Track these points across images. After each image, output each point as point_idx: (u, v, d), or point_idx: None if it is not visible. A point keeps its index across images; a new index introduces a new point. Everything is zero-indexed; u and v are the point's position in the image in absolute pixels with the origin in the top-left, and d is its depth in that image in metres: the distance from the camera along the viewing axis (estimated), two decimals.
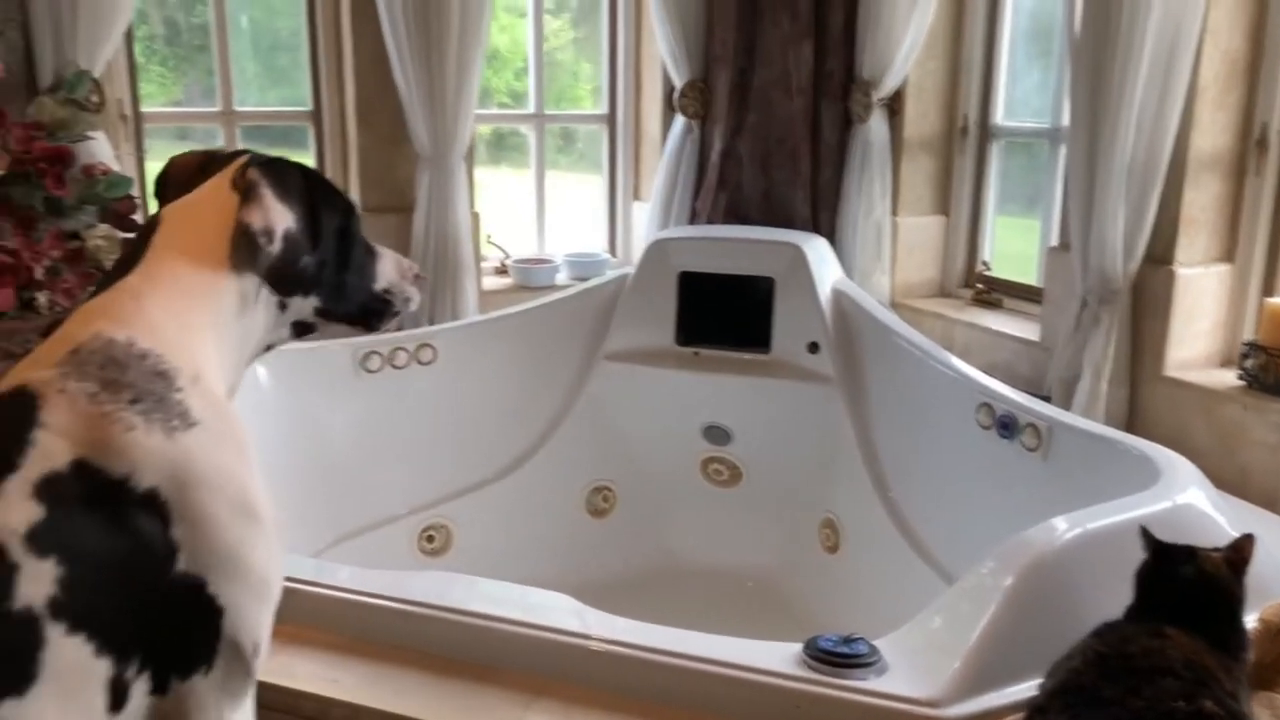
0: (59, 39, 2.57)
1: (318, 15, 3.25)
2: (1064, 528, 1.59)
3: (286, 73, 3.44)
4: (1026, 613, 1.48)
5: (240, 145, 3.28)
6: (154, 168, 3.14)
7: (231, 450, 1.08)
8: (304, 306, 1.26)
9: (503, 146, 4.09)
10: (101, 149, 2.63)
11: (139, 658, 1.00)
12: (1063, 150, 3.01)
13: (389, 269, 1.36)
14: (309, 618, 1.60)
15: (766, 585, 3.00)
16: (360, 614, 1.62)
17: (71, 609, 0.94)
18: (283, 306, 1.24)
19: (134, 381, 1.03)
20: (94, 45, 2.62)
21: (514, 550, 2.89)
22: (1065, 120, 2.97)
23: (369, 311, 1.35)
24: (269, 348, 1.28)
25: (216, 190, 1.20)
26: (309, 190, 1.23)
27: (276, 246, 1.17)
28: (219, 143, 3.28)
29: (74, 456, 0.98)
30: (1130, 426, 2.54)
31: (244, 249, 1.17)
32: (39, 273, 2.26)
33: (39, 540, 0.94)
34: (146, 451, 1.00)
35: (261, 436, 2.58)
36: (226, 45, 3.20)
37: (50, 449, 0.98)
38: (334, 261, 1.27)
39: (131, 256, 1.16)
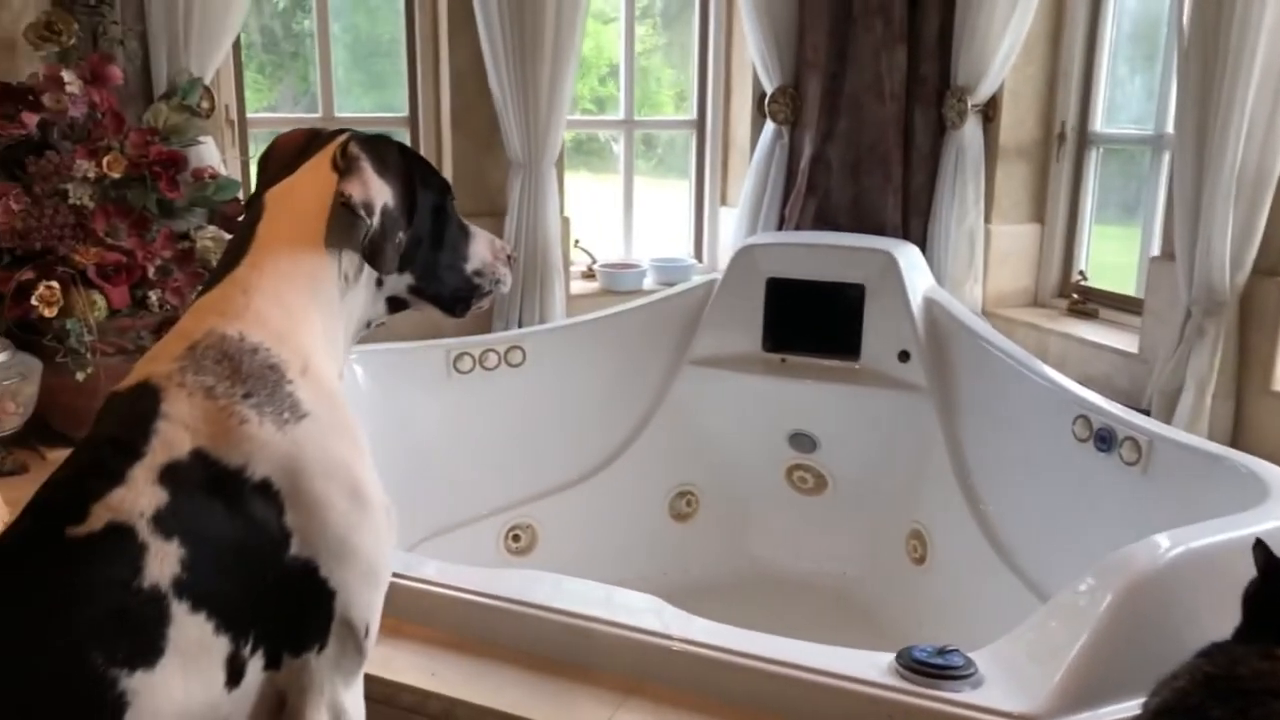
0: (174, 48, 2.67)
1: (416, 23, 3.33)
2: (1167, 545, 1.55)
3: (383, 79, 3.52)
4: (1127, 631, 1.44)
5: None
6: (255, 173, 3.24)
7: (341, 439, 1.11)
8: (398, 283, 1.29)
9: (582, 151, 4.13)
10: (210, 153, 2.73)
11: (254, 636, 1.04)
12: (1166, 157, 2.93)
13: (482, 249, 1.37)
14: (402, 611, 1.64)
15: (850, 595, 2.97)
16: (449, 608, 1.65)
17: (194, 588, 0.99)
18: (379, 283, 1.26)
19: (247, 376, 1.07)
20: (205, 54, 2.72)
21: (597, 551, 2.91)
22: (1169, 126, 2.89)
23: (461, 291, 1.36)
24: (369, 325, 1.30)
25: (316, 171, 1.22)
26: (407, 167, 1.25)
27: (375, 220, 1.18)
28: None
29: (194, 446, 1.03)
30: (1236, 442, 2.45)
31: (343, 224, 1.19)
32: (151, 272, 2.36)
33: (164, 523, 0.99)
34: (259, 444, 1.05)
35: None
36: (329, 53, 3.29)
37: (172, 439, 1.03)
38: (429, 239, 1.29)
39: (239, 245, 1.20)
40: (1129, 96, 3.35)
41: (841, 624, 2.86)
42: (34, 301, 2.19)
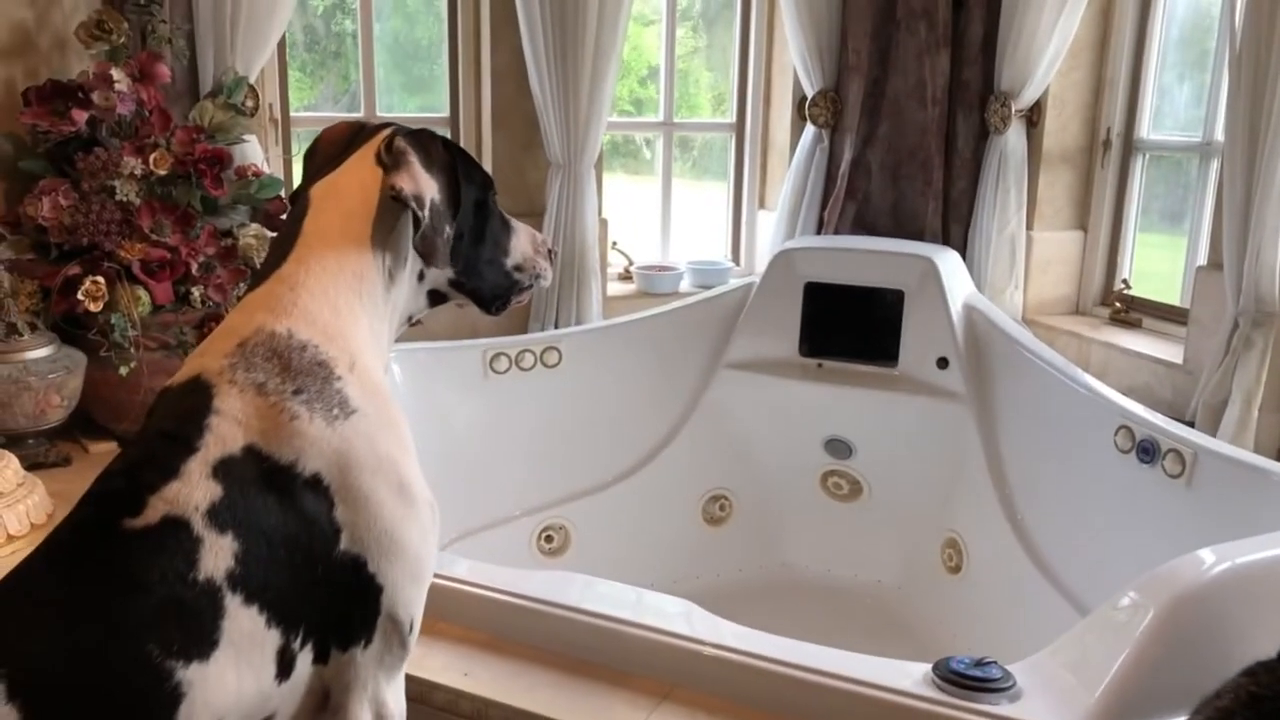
0: (220, 47, 2.71)
1: (459, 23, 3.34)
2: (1212, 560, 1.52)
3: (423, 80, 3.54)
4: (1170, 647, 1.42)
5: None
6: (300, 169, 3.27)
7: (389, 434, 1.12)
8: (440, 277, 1.29)
9: (619, 153, 4.13)
10: (254, 151, 2.76)
11: (304, 630, 1.05)
12: (1214, 165, 2.88)
13: (523, 243, 1.37)
14: (434, 610, 1.64)
15: (885, 603, 2.95)
16: (482, 608, 1.65)
17: (247, 581, 1.00)
18: (420, 277, 1.27)
19: (296, 372, 1.09)
20: (251, 52, 2.75)
21: (630, 554, 2.90)
22: (1218, 133, 2.84)
23: (500, 287, 1.36)
24: (411, 319, 1.31)
25: (361, 165, 1.23)
26: (452, 160, 1.26)
27: (425, 213, 1.18)
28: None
29: (246, 442, 1.05)
30: None
31: (388, 219, 1.20)
32: (194, 268, 2.38)
33: (219, 516, 1.00)
34: (310, 440, 1.06)
35: None
36: (371, 53, 3.32)
37: (225, 434, 1.05)
38: (470, 233, 1.29)
39: (285, 241, 1.21)
40: (1176, 103, 3.30)
41: (875, 632, 2.84)
42: (80, 296, 2.22)
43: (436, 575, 1.67)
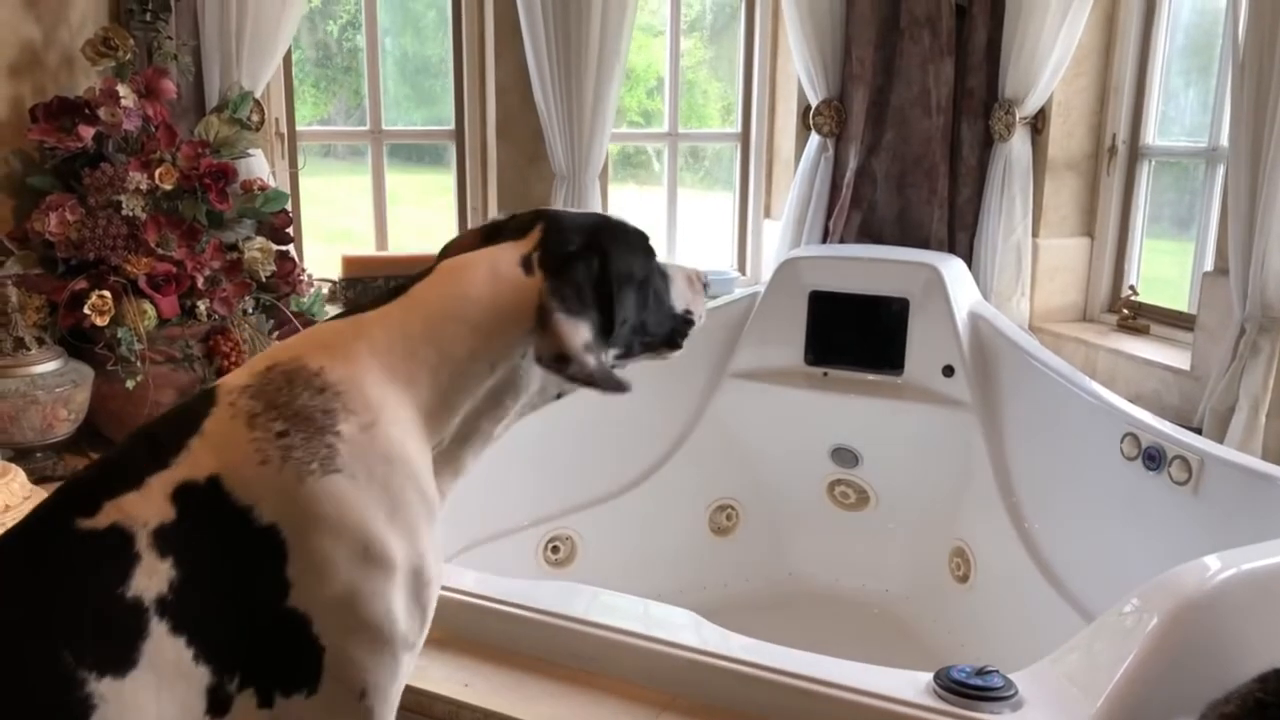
0: (226, 63, 2.73)
1: (464, 37, 3.36)
2: (1217, 567, 1.51)
3: (431, 93, 3.57)
4: (1174, 655, 1.41)
5: (386, 161, 3.41)
6: (306, 183, 3.29)
7: (371, 502, 1.03)
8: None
9: (630, 164, 4.15)
10: (259, 165, 2.78)
11: (240, 673, 1.00)
12: (1220, 171, 2.87)
13: (682, 289, 1.30)
14: (439, 621, 1.64)
15: (892, 612, 2.94)
16: (488, 620, 1.65)
17: (177, 611, 0.96)
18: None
19: (295, 412, 1.03)
20: (257, 68, 2.77)
21: (637, 564, 2.90)
22: (1224, 139, 2.84)
23: (669, 337, 1.29)
24: (558, 396, 1.24)
25: (499, 257, 1.16)
26: (605, 276, 1.17)
27: (579, 368, 1.11)
28: (363, 158, 3.41)
29: (212, 472, 1.01)
30: None
31: (511, 320, 1.13)
32: (200, 282, 2.40)
33: (163, 540, 0.97)
34: (272, 489, 1.00)
35: None
36: (377, 68, 3.34)
37: (198, 459, 1.01)
38: (634, 316, 1.22)
39: (390, 293, 1.15)
40: (1182, 109, 3.29)
41: (883, 642, 2.83)
42: (86, 310, 2.24)
43: (445, 588, 1.68)
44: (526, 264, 1.15)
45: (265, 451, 1.01)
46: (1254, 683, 1.18)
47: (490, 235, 1.24)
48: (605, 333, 1.17)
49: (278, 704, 1.03)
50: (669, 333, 1.29)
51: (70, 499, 1.01)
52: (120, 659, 0.94)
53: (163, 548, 0.96)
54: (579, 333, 1.12)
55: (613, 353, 1.22)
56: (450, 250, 1.26)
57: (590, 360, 1.12)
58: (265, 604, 1.00)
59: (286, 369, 1.06)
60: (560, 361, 1.11)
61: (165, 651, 0.95)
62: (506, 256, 1.17)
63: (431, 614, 1.12)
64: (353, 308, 1.15)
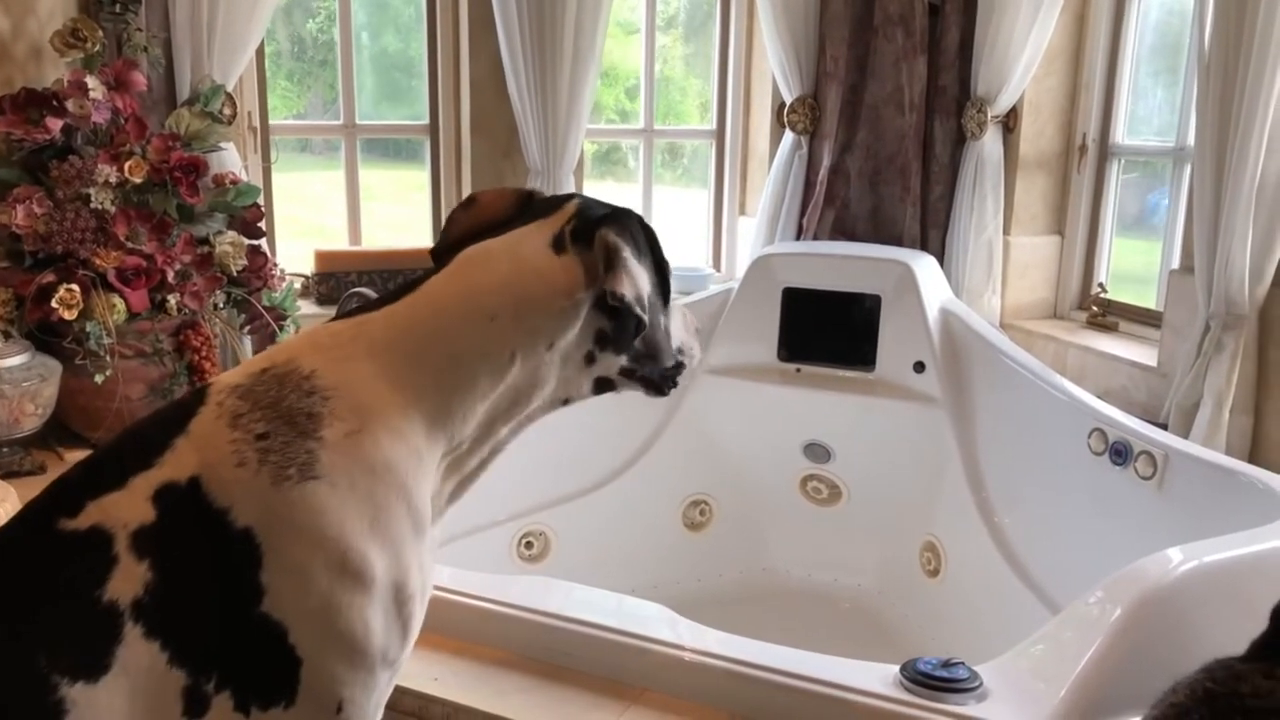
0: (197, 55, 2.71)
1: (438, 32, 3.35)
2: (1179, 559, 1.54)
3: (409, 90, 3.55)
4: (1136, 646, 1.43)
5: (359, 156, 3.40)
6: (282, 179, 3.28)
7: (352, 513, 1.00)
8: (612, 364, 1.19)
9: (608, 161, 4.15)
10: (231, 159, 2.76)
11: (217, 676, 0.98)
12: (1187, 170, 2.91)
13: (679, 324, 1.27)
14: None
15: (864, 606, 2.96)
16: (460, 615, 1.65)
17: (152, 615, 0.94)
18: (590, 360, 1.17)
19: (278, 415, 1.00)
20: (228, 61, 2.75)
21: (611, 560, 2.91)
22: (1191, 139, 2.87)
23: (669, 370, 1.27)
24: (566, 403, 1.21)
25: (528, 239, 1.13)
26: (654, 244, 1.18)
27: (646, 314, 1.11)
28: (339, 154, 3.40)
29: (194, 473, 0.99)
30: (1254, 458, 2.42)
31: (538, 310, 1.11)
32: (170, 276, 2.38)
33: (142, 542, 0.96)
34: (249, 492, 0.98)
35: None
36: (351, 62, 3.33)
37: (181, 459, 0.99)
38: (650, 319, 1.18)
39: (402, 289, 1.12)
40: (1151, 109, 3.33)
41: (854, 636, 2.85)
42: (54, 304, 2.21)
43: None
44: (557, 243, 1.12)
45: (243, 453, 0.99)
46: (1201, 673, 1.19)
47: (524, 201, 1.20)
48: (664, 297, 1.17)
49: (254, 715, 1.00)
50: (665, 367, 1.26)
51: (56, 498, 1.00)
52: (93, 664, 0.92)
53: (141, 550, 0.95)
54: (642, 279, 1.11)
55: (622, 360, 1.19)
56: (474, 209, 1.21)
57: (645, 314, 1.10)
58: (240, 608, 0.97)
59: (279, 371, 1.04)
60: (632, 304, 1.08)
61: (139, 656, 0.93)
62: (531, 240, 1.13)
63: (416, 630, 1.09)
64: (365, 305, 1.12)
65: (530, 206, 1.19)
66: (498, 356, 1.10)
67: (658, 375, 1.25)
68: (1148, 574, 1.50)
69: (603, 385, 1.22)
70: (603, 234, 1.11)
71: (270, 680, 1.00)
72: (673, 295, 1.27)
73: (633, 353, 1.20)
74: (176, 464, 0.99)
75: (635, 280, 1.10)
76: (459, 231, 1.20)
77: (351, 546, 0.99)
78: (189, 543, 0.97)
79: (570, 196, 1.19)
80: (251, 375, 1.04)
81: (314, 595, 0.98)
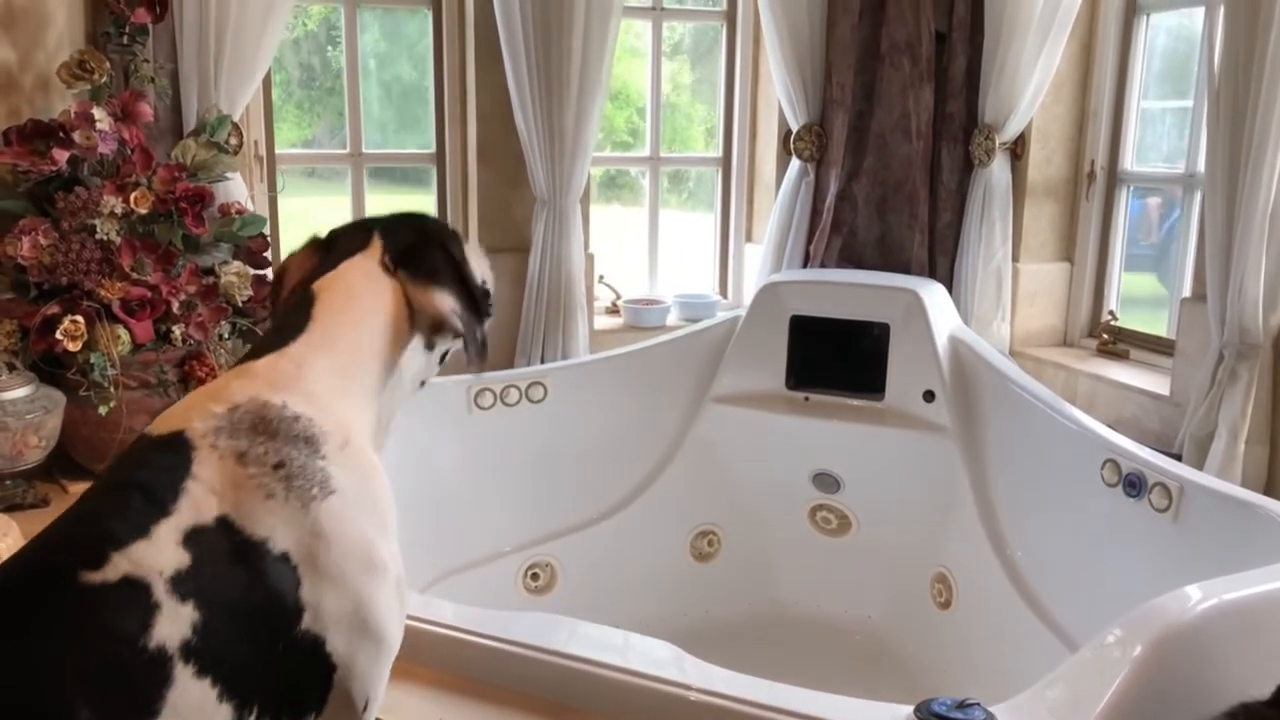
0: (204, 86, 2.71)
1: (444, 60, 3.36)
2: (1198, 597, 1.51)
3: (418, 117, 3.56)
4: (1155, 686, 1.40)
5: (366, 185, 3.40)
6: (289, 204, 3.27)
7: (366, 515, 1.11)
8: (449, 344, 1.35)
9: (614, 185, 4.15)
10: (237, 188, 2.76)
11: (258, 705, 1.02)
12: (1198, 197, 2.89)
13: (483, 268, 1.41)
14: (414, 653, 1.62)
15: (874, 639, 2.92)
16: (464, 652, 1.63)
17: (203, 653, 0.97)
18: (430, 345, 1.31)
19: (282, 444, 1.08)
20: (235, 91, 2.75)
21: (617, 591, 2.88)
22: (1201, 165, 2.86)
23: (484, 335, 1.38)
24: (422, 385, 1.35)
25: (365, 271, 1.28)
26: (453, 260, 1.31)
27: (459, 325, 1.26)
28: (346, 182, 3.40)
29: (220, 513, 1.03)
30: (1270, 490, 2.39)
31: (403, 311, 1.26)
32: (175, 306, 2.37)
33: (182, 585, 0.98)
34: (284, 519, 1.05)
35: None
36: (357, 91, 3.33)
37: (200, 502, 1.03)
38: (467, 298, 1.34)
39: (291, 326, 1.21)
40: (1159, 135, 3.32)
41: (865, 669, 2.81)
42: (59, 336, 2.20)
43: (420, 619, 1.66)
44: (385, 268, 1.28)
45: (268, 486, 1.05)
46: (1225, 717, 1.17)
47: (326, 247, 1.34)
48: (469, 301, 1.30)
49: None
50: (484, 332, 1.37)
51: (69, 553, 0.99)
52: (142, 710, 0.94)
53: (183, 593, 0.97)
54: (445, 300, 1.27)
55: (457, 343, 1.33)
56: (291, 268, 1.35)
57: (459, 322, 1.26)
58: (283, 629, 1.03)
59: (251, 409, 1.10)
60: (439, 328, 1.26)
61: (190, 696, 0.96)
62: (368, 266, 1.28)
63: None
64: (263, 345, 1.22)
65: (333, 246, 1.33)
66: (389, 362, 1.25)
67: (480, 339, 1.36)
68: (1167, 612, 1.47)
69: (443, 358, 1.37)
70: (398, 274, 1.27)
71: (307, 692, 1.06)
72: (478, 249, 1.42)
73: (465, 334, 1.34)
74: (196, 508, 1.02)
75: (447, 299, 1.27)
76: (288, 290, 1.32)
77: (372, 545, 1.10)
78: (230, 578, 1.01)
79: (369, 228, 1.33)
80: (222, 416, 1.09)
81: (349, 599, 1.07)
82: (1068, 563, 2.41)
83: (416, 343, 1.29)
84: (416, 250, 1.30)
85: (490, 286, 1.44)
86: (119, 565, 0.96)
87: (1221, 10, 2.41)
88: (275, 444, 1.07)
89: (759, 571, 3.05)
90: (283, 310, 1.29)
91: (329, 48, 3.58)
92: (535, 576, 2.86)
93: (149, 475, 1.05)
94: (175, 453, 1.06)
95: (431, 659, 1.62)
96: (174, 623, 0.96)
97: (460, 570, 2.73)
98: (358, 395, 1.20)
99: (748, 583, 3.04)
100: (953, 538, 2.76)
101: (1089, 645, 1.52)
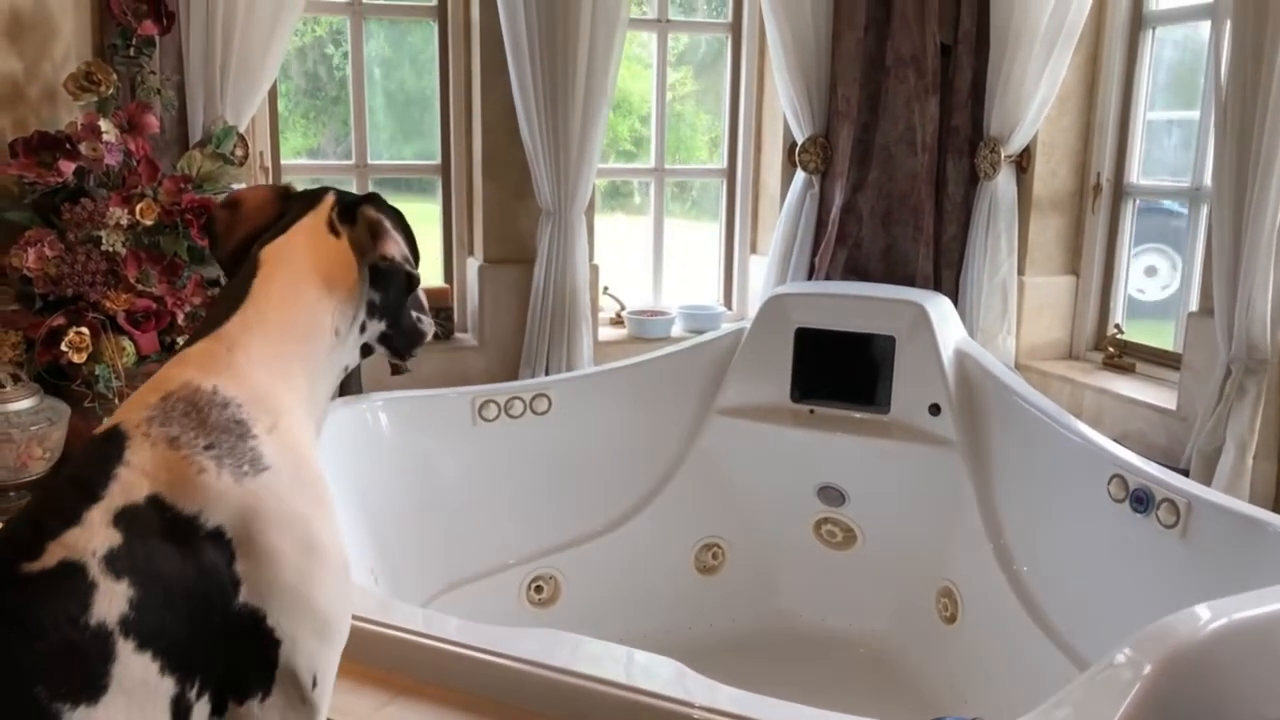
0: (210, 97, 2.72)
1: (450, 71, 3.36)
2: (1208, 616, 1.49)
3: (424, 127, 3.56)
4: (1165, 708, 1.38)
5: (371, 189, 3.39)
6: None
7: (301, 493, 1.13)
8: (375, 329, 1.35)
9: (618, 194, 4.14)
10: None
11: (199, 679, 1.05)
12: (1204, 210, 2.89)
13: (420, 296, 1.42)
14: (416, 669, 1.61)
15: (880, 653, 2.91)
16: (467, 668, 1.62)
17: (141, 628, 0.99)
18: (362, 329, 1.32)
19: (212, 428, 1.10)
20: (241, 102, 2.76)
21: (621, 604, 2.87)
22: (1208, 179, 2.85)
23: (414, 337, 1.41)
24: (345, 370, 1.35)
25: (312, 232, 1.29)
26: (404, 223, 1.34)
27: (410, 267, 1.27)
28: (351, 189, 3.40)
29: (151, 492, 1.05)
30: (1278, 506, 2.38)
31: (344, 282, 1.27)
32: (180, 318, 2.37)
33: (115, 563, 1.00)
34: (215, 493, 1.06)
35: (378, 481, 2.64)
36: (363, 104, 3.34)
37: (130, 484, 1.05)
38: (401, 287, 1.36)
39: (232, 300, 1.23)
40: (1166, 149, 3.31)
41: (870, 683, 2.80)
42: (64, 347, 2.20)
43: (423, 635, 1.65)
44: (331, 227, 1.29)
45: (199, 463, 1.07)
46: None
47: (284, 198, 1.35)
48: (416, 263, 1.32)
49: (229, 711, 1.07)
50: (411, 332, 1.40)
51: (8, 550, 1.03)
52: (92, 686, 0.96)
53: (118, 570, 1.00)
54: (399, 244, 1.28)
55: (381, 325, 1.35)
56: (249, 208, 1.35)
57: (409, 266, 1.28)
58: (221, 602, 1.05)
59: (184, 395, 1.12)
60: (403, 263, 1.26)
61: (134, 670, 0.98)
62: (313, 228, 1.29)
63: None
64: (207, 324, 1.22)
65: (290, 202, 1.34)
66: (328, 334, 1.26)
67: (405, 340, 1.40)
68: (1176, 632, 1.45)
69: (365, 350, 1.37)
70: (364, 210, 1.29)
71: (251, 668, 1.07)
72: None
73: (391, 318, 1.35)
74: (126, 490, 1.05)
75: (400, 243, 1.28)
76: (238, 238, 1.33)
77: (310, 524, 1.11)
78: (163, 554, 1.03)
79: (325, 190, 1.34)
80: (154, 405, 1.11)
81: (288, 571, 1.08)
82: (1074, 578, 2.39)
83: (351, 316, 1.30)
84: (365, 201, 1.33)
85: (427, 324, 1.45)
86: (54, 552, 1.00)
87: (1229, 24, 2.41)
88: (205, 428, 1.09)
89: (763, 585, 3.03)
90: (235, 278, 1.29)
91: (331, 46, 3.58)
92: (539, 589, 2.85)
93: (82, 469, 1.09)
94: (109, 444, 1.09)
95: (434, 675, 1.61)
96: (111, 600, 0.98)
97: (464, 583, 2.72)
98: (293, 375, 1.21)
99: (752, 596, 3.03)
100: (958, 552, 2.75)
101: (1097, 665, 1.51)
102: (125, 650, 0.98)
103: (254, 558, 1.06)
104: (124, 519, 1.03)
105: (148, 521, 1.04)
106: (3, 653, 0.95)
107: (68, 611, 0.97)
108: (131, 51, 2.57)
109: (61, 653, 0.96)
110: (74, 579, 0.98)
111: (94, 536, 1.01)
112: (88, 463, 1.09)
